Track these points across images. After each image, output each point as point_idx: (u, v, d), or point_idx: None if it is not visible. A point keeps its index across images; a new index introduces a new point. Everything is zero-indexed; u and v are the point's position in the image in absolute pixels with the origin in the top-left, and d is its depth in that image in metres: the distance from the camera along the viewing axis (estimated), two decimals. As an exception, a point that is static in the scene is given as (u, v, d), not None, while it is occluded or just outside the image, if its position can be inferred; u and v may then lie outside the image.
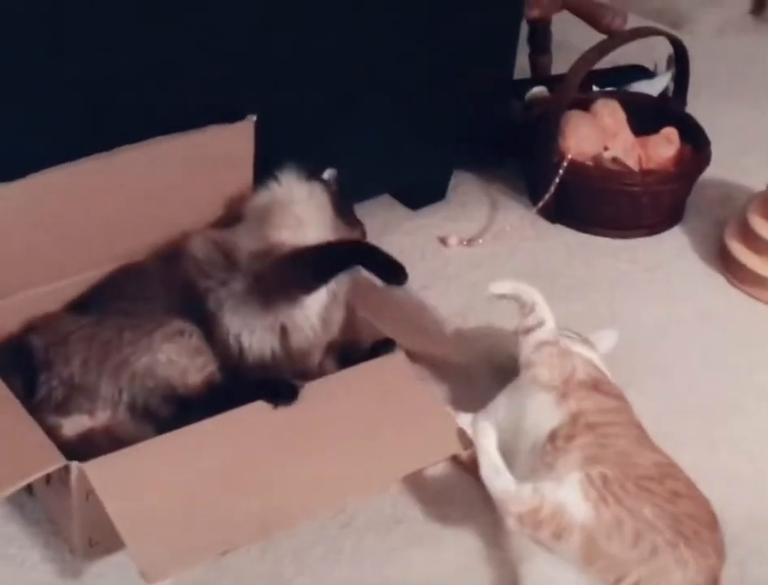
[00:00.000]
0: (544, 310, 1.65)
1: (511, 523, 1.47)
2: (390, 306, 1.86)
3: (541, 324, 1.63)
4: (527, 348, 1.65)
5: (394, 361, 1.69)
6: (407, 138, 2.15)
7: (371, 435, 1.60)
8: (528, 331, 1.64)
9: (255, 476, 1.52)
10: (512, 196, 2.36)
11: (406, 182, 2.27)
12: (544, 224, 2.28)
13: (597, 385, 1.66)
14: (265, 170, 1.81)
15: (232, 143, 1.82)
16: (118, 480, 1.46)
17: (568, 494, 1.47)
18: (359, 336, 1.78)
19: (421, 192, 2.31)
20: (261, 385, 1.61)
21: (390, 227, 2.25)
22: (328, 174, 1.86)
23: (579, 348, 1.72)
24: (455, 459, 1.71)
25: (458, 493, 1.68)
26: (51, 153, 1.65)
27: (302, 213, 1.70)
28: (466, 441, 1.62)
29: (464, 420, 1.71)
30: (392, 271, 1.66)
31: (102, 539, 1.52)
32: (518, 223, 2.25)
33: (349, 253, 1.69)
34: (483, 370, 1.90)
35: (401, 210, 2.30)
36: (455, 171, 2.36)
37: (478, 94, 2.20)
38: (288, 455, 1.56)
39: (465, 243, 2.21)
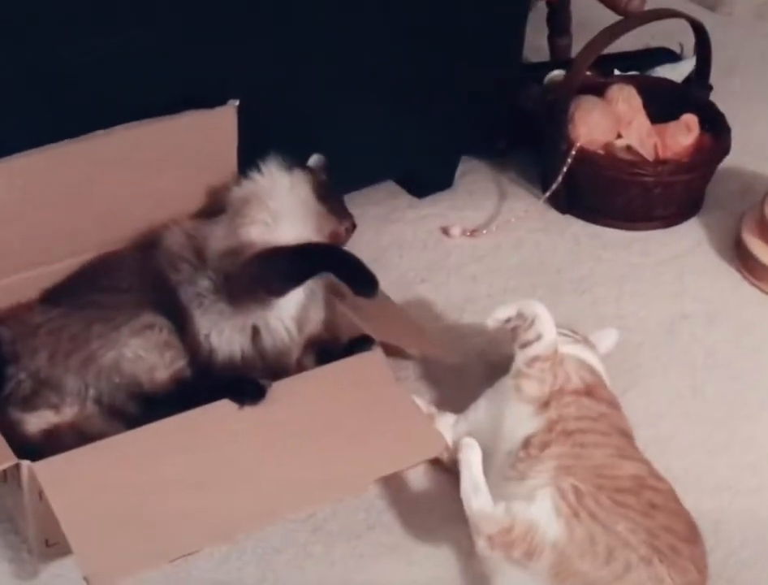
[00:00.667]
0: (544, 324, 1.55)
1: (480, 544, 1.41)
2: (377, 303, 1.78)
3: (538, 338, 1.54)
4: (520, 359, 1.57)
5: (371, 359, 1.62)
6: (410, 123, 2.07)
7: (344, 436, 1.53)
8: (525, 344, 1.55)
9: (218, 478, 1.46)
10: (523, 185, 2.26)
11: (410, 169, 2.19)
12: (553, 215, 2.19)
13: (591, 390, 1.58)
14: (253, 157, 1.74)
15: (213, 129, 1.76)
16: (70, 480, 1.41)
17: (540, 511, 1.39)
18: (339, 332, 1.71)
19: (427, 180, 2.23)
20: (228, 383, 1.55)
21: (392, 215, 2.17)
22: (314, 160, 1.79)
23: (577, 350, 1.64)
24: (435, 461, 1.63)
25: (435, 498, 1.60)
26: (20, 140, 1.60)
27: (280, 207, 1.64)
28: (443, 444, 1.56)
29: (448, 420, 1.65)
30: (363, 282, 1.60)
31: (60, 540, 1.45)
32: (525, 213, 2.15)
33: (320, 259, 1.62)
34: (476, 368, 1.82)
35: (405, 198, 2.22)
36: (465, 158, 2.27)
37: (486, 79, 2.11)
38: (255, 456, 1.50)
39: (468, 233, 2.12)
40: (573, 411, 1.53)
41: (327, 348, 1.68)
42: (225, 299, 1.59)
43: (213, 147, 1.77)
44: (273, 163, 1.70)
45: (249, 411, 1.52)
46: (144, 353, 1.56)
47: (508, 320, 1.61)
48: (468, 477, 1.45)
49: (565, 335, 1.66)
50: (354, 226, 1.77)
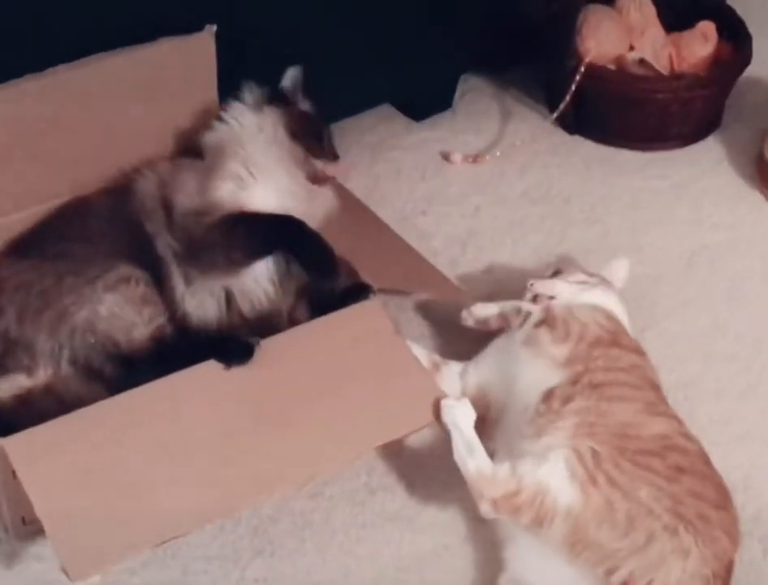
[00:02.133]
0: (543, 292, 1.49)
1: (484, 509, 1.30)
2: (375, 242, 1.65)
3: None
4: (529, 323, 1.48)
5: (370, 310, 1.48)
6: (405, 39, 1.90)
7: (340, 399, 1.40)
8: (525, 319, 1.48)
9: (204, 451, 1.34)
10: (528, 104, 2.11)
11: (407, 89, 2.03)
12: (561, 136, 2.04)
13: (616, 338, 1.46)
14: (236, 85, 1.60)
15: (190, 58, 1.60)
16: (44, 458, 1.29)
17: (552, 473, 1.28)
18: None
19: (425, 101, 2.08)
20: (213, 343, 1.42)
21: (388, 141, 2.02)
22: (289, 77, 1.60)
23: (595, 296, 1.51)
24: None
25: (441, 458, 1.47)
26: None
27: (251, 155, 1.50)
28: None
29: (454, 369, 1.53)
30: (322, 270, 1.47)
31: (37, 519, 1.35)
32: (531, 136, 2.01)
33: (282, 238, 1.47)
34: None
35: (402, 122, 2.07)
36: (464, 75, 2.12)
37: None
38: (245, 424, 1.37)
39: (471, 160, 1.98)
40: (602, 363, 1.41)
41: (322, 297, 1.54)
42: (192, 263, 1.47)
43: (190, 77, 1.62)
44: (241, 103, 1.56)
45: (238, 373, 1.39)
46: (119, 310, 1.43)
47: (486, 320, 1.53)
48: (459, 438, 1.34)
49: (580, 282, 1.53)
50: (336, 157, 1.60)
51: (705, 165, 1.99)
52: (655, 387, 1.42)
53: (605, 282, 1.55)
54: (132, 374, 1.39)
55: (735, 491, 1.42)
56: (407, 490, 1.47)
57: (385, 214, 1.76)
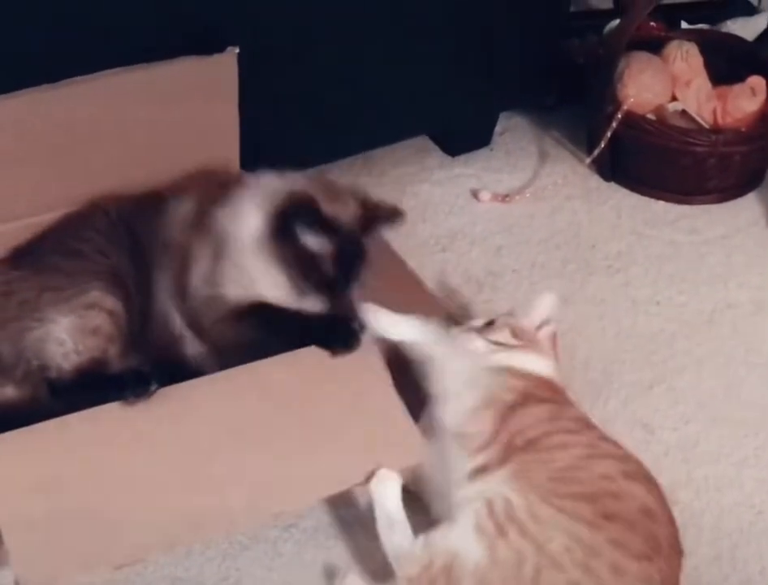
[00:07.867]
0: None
1: None
2: (384, 274, 1.62)
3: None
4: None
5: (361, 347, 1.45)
6: (444, 70, 1.89)
7: (315, 434, 1.37)
8: None
9: (174, 475, 1.32)
10: (567, 146, 2.08)
11: (444, 124, 2.01)
12: (596, 182, 2.00)
13: (527, 397, 1.37)
14: (260, 108, 1.60)
15: (211, 78, 1.60)
16: (9, 468, 1.29)
17: (460, 536, 1.25)
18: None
19: (462, 137, 2.05)
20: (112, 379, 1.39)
21: (420, 174, 2.00)
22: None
23: (502, 358, 1.42)
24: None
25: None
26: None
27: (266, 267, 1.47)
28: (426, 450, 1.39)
29: None
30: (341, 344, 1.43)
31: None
32: (566, 180, 1.97)
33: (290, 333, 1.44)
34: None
35: (437, 156, 2.05)
36: (505, 113, 2.10)
37: (531, 24, 1.91)
38: (217, 452, 1.34)
39: (500, 199, 1.95)
40: (527, 420, 1.34)
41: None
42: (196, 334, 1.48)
43: (210, 98, 1.61)
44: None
45: (213, 401, 1.37)
46: (66, 336, 1.41)
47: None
48: (381, 513, 1.32)
49: (497, 342, 1.43)
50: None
51: (741, 222, 1.93)
52: (586, 423, 1.36)
53: (521, 332, 1.44)
54: (55, 400, 1.38)
55: (720, 561, 1.39)
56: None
57: (406, 247, 1.74)
